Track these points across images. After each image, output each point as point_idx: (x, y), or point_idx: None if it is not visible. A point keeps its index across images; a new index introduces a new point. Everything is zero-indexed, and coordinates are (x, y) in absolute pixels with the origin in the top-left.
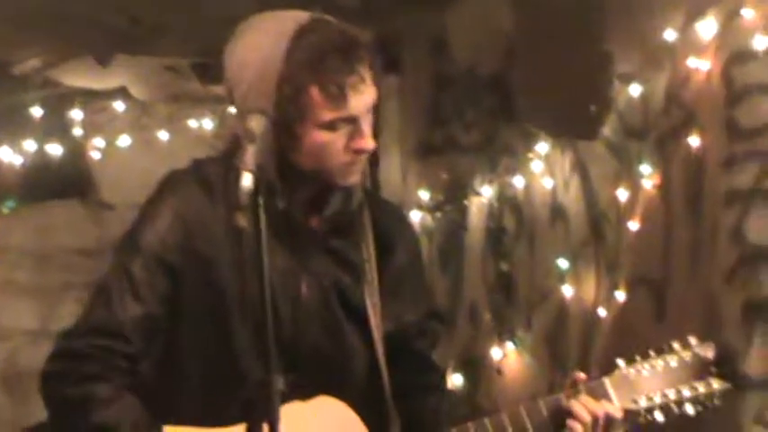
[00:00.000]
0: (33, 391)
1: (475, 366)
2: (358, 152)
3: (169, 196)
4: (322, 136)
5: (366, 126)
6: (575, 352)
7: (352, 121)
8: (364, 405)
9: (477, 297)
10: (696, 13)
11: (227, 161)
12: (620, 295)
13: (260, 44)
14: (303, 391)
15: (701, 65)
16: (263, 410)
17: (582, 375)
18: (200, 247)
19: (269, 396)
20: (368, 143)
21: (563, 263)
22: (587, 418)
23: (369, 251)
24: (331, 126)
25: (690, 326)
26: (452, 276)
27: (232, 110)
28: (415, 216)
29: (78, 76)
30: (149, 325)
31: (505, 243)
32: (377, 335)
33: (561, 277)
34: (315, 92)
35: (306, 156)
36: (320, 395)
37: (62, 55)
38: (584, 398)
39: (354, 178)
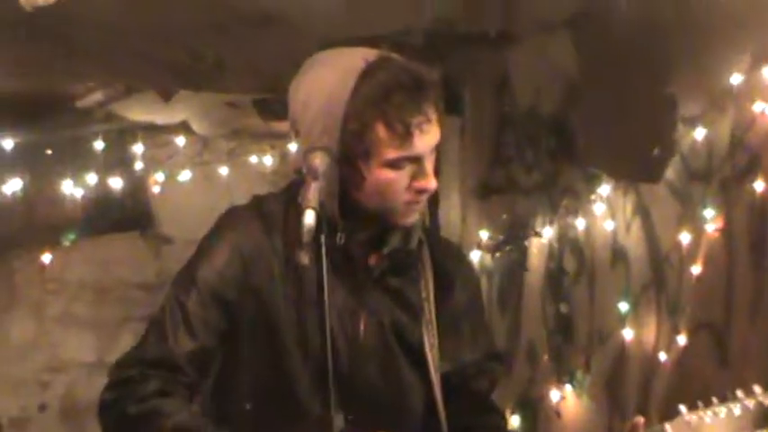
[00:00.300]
0: (90, 423)
1: (533, 408)
2: (420, 192)
3: (228, 232)
4: (386, 174)
5: (429, 165)
6: (634, 396)
7: (416, 160)
8: None
9: (536, 338)
10: (762, 56)
11: (288, 198)
12: (682, 339)
13: (327, 80)
14: (360, 429)
15: (766, 109)
16: None
17: (641, 420)
18: (258, 284)
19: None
20: (430, 183)
21: (623, 306)
22: None
23: (428, 290)
24: (395, 165)
25: (752, 372)
26: (511, 317)
27: (292, 146)
28: (475, 256)
29: (140, 111)
30: (202, 358)
31: (565, 285)
32: (434, 374)
33: (621, 320)
34: (381, 129)
35: (368, 194)
36: None
37: (125, 89)
38: None
39: (414, 218)
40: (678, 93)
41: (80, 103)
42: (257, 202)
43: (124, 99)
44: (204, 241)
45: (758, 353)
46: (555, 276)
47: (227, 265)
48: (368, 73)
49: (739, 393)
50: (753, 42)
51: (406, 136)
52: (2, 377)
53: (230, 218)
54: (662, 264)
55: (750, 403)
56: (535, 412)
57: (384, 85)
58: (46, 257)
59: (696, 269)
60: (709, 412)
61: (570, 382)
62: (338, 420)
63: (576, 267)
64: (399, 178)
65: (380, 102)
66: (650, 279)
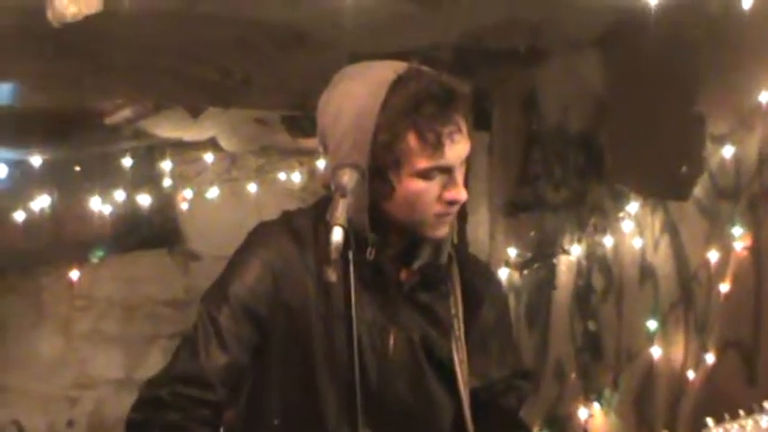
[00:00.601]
0: None
1: (561, 426)
2: (451, 203)
3: (258, 248)
4: (417, 184)
5: (459, 177)
6: (662, 414)
7: (447, 170)
8: None
9: (564, 356)
10: None
11: (317, 213)
12: (710, 358)
13: (357, 93)
14: None
15: None
16: None
17: None
18: (289, 299)
19: None
20: (461, 194)
21: (652, 324)
22: None
23: (457, 306)
24: (426, 175)
25: None
26: (539, 334)
27: (321, 163)
28: (503, 273)
29: (169, 128)
30: (235, 373)
31: (593, 302)
32: (463, 390)
33: (650, 338)
34: (412, 139)
35: (398, 205)
36: None
37: (153, 106)
38: None
39: (444, 230)
40: (706, 111)
41: (108, 120)
42: (287, 218)
43: (153, 116)
44: (235, 257)
45: None
46: (583, 294)
47: (259, 281)
48: (399, 84)
49: (766, 405)
50: None
51: (437, 146)
52: (30, 394)
53: (261, 233)
54: (690, 282)
55: None
56: (563, 430)
57: (415, 95)
58: (74, 274)
59: (724, 287)
60: (735, 425)
61: (598, 400)
62: None
63: (605, 285)
64: (430, 189)
65: (411, 112)
66: (678, 297)
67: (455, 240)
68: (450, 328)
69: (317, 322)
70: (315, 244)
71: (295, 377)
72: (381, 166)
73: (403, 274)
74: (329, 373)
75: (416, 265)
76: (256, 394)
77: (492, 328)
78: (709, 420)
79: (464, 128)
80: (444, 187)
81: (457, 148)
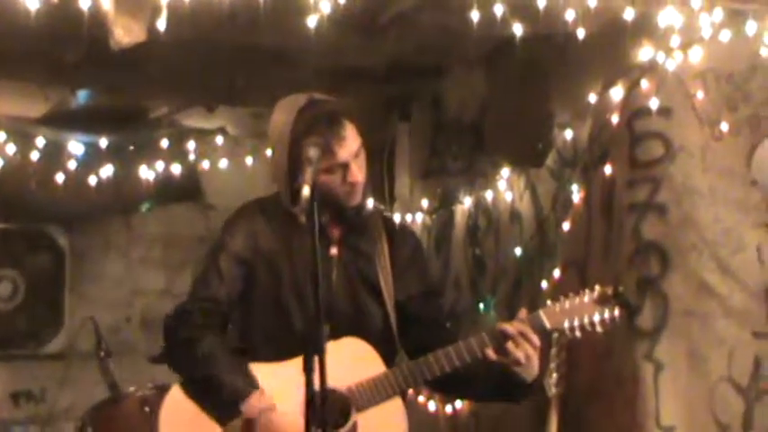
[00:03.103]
0: (159, 331)
1: (459, 319)
2: (352, 184)
3: (241, 218)
4: (324, 178)
5: (356, 165)
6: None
7: (344, 164)
8: (382, 350)
9: (460, 272)
10: (610, 82)
11: (276, 199)
12: (557, 273)
13: (278, 121)
14: (335, 337)
15: (613, 118)
16: (315, 348)
17: (524, 312)
18: (264, 249)
19: (319, 339)
20: (356, 177)
21: (518, 250)
22: (514, 331)
23: (382, 245)
24: (328, 170)
25: None
26: (443, 258)
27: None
28: (419, 217)
29: (193, 119)
30: (233, 298)
31: (479, 236)
32: (389, 303)
33: (516, 260)
34: (312, 150)
35: (321, 187)
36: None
37: (183, 104)
38: (516, 323)
39: (357, 199)
40: (555, 107)
41: (152, 115)
42: (259, 202)
43: (182, 112)
44: (227, 224)
45: (607, 283)
46: (472, 230)
47: (244, 237)
48: (301, 112)
49: (587, 290)
50: (603, 73)
51: (329, 150)
52: (101, 299)
53: (243, 210)
54: (543, 222)
55: (595, 293)
56: (460, 323)
57: (309, 119)
58: (130, 219)
59: (566, 225)
60: (567, 302)
61: (482, 302)
62: (326, 330)
63: (486, 224)
64: (335, 179)
65: (308, 130)
66: (535, 232)
67: (386, 197)
68: (377, 261)
69: (284, 263)
70: (276, 218)
71: (270, 301)
72: (296, 171)
73: (339, 229)
74: (295, 296)
75: (347, 223)
76: (246, 316)
77: (409, 258)
78: (549, 301)
79: (350, 132)
80: (345, 175)
81: (346, 147)
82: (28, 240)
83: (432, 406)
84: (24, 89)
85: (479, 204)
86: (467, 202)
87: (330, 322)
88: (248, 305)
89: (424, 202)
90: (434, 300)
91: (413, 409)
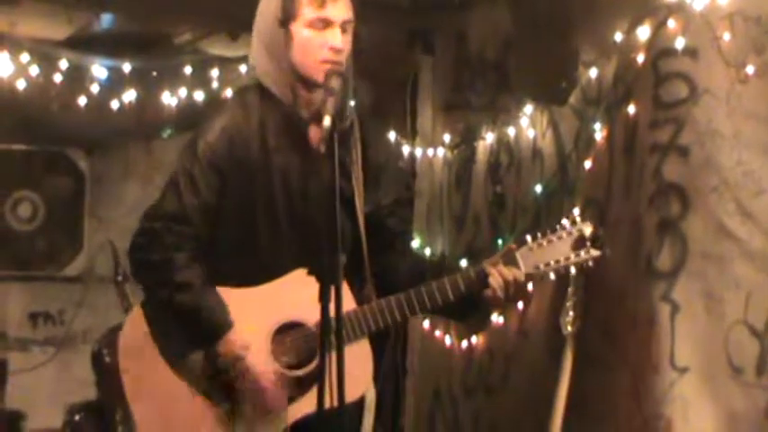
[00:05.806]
0: None
1: (477, 255)
2: (331, 49)
3: (218, 117)
4: (307, 32)
5: (341, 35)
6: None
7: (330, 23)
8: (349, 264)
9: (480, 208)
10: (637, 21)
11: (262, 90)
12: (576, 211)
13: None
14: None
15: (638, 57)
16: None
17: (513, 246)
18: (239, 155)
19: (335, 268)
20: (338, 42)
21: (539, 188)
22: (498, 278)
23: (357, 155)
24: (313, 24)
25: (621, 236)
26: (464, 194)
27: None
28: (440, 152)
29: (216, 47)
30: (206, 210)
31: (500, 173)
32: (360, 215)
33: (537, 198)
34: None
35: (297, 53)
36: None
37: (206, 32)
38: (500, 266)
39: (336, 81)
40: (579, 44)
41: (176, 41)
42: (241, 94)
43: (205, 39)
44: (202, 124)
45: (627, 221)
46: (493, 167)
47: (218, 141)
48: None
49: (564, 222)
50: (630, 11)
51: (321, 2)
52: (119, 223)
53: (221, 109)
54: (566, 160)
55: (572, 231)
56: (478, 257)
57: None
58: (151, 145)
59: (588, 164)
60: (544, 241)
61: (501, 238)
62: (342, 260)
63: (508, 161)
64: (316, 37)
65: None
66: (558, 170)
67: (408, 130)
68: (351, 171)
69: (260, 171)
70: (259, 112)
71: (238, 215)
72: (285, 20)
73: (316, 132)
74: (268, 212)
75: (325, 121)
76: (209, 226)
77: (380, 169)
78: (528, 237)
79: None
80: (326, 38)
81: (338, 7)
82: (48, 163)
83: (447, 340)
84: (48, 11)
85: (501, 141)
86: (489, 138)
87: (301, 239)
88: (214, 215)
89: (446, 138)
90: (402, 211)
91: (428, 343)
